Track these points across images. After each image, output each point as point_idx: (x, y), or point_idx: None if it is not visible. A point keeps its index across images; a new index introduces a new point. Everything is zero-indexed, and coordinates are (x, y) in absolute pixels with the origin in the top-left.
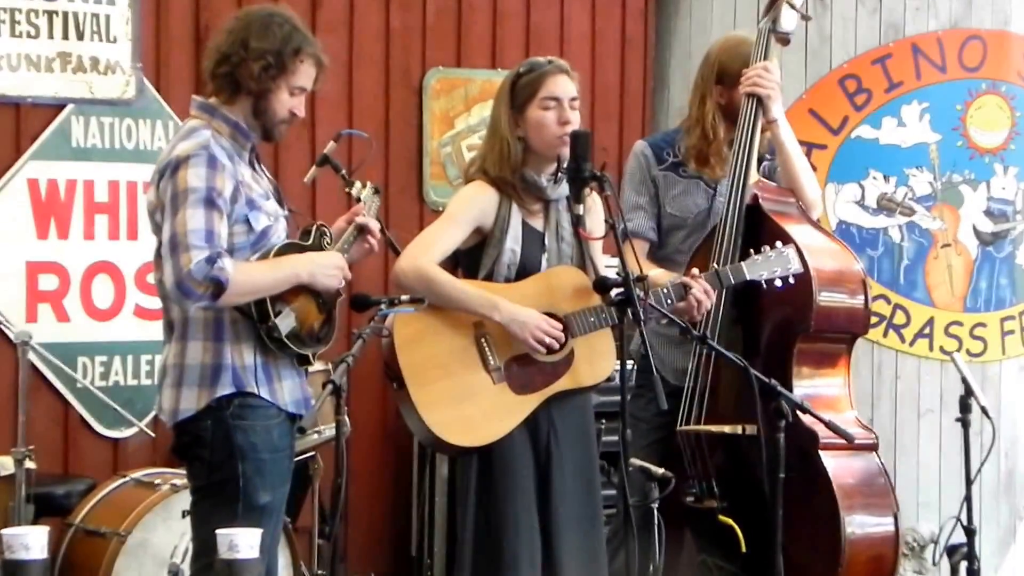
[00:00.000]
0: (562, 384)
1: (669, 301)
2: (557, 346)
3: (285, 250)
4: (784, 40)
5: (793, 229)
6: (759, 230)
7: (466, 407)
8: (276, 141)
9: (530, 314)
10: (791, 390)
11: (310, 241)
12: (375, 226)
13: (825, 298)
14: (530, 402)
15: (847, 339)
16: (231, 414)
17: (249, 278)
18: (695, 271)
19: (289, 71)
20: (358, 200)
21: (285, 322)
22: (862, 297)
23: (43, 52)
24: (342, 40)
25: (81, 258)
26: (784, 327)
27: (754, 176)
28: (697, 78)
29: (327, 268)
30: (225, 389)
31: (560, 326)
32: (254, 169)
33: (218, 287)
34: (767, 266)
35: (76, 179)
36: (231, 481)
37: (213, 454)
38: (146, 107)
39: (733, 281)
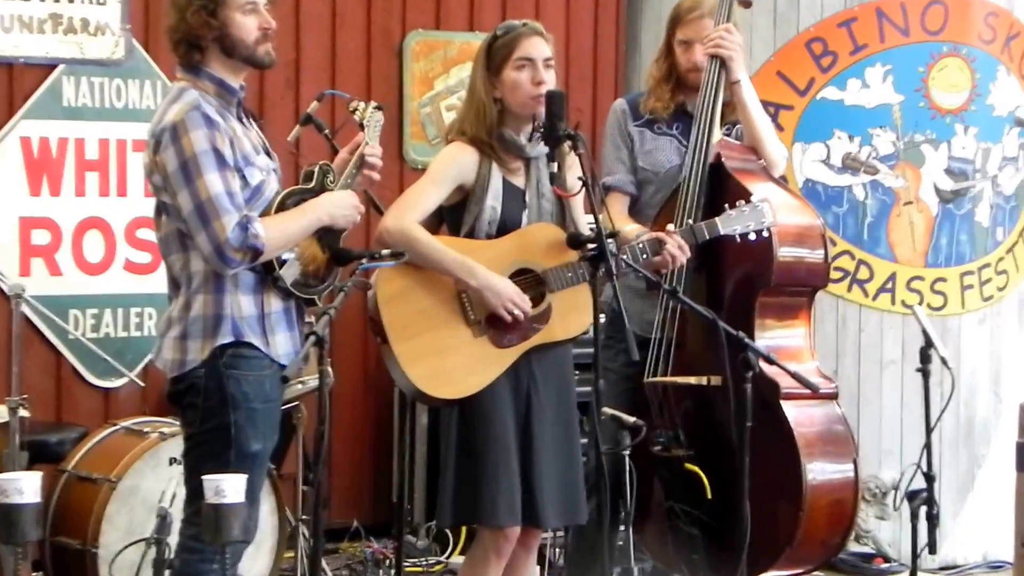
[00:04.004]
0: (540, 337)
1: (644, 256)
2: (522, 317)
3: (289, 198)
4: (746, 3)
5: (755, 186)
6: (722, 187)
7: (447, 360)
8: (268, 65)
9: (504, 285)
10: (754, 342)
11: (312, 184)
12: (375, 159)
13: (786, 253)
14: (510, 355)
15: (808, 292)
16: (225, 363)
17: (280, 234)
18: (670, 227)
19: None
20: (360, 126)
21: (289, 271)
22: (822, 251)
23: (35, 14)
24: (325, 3)
25: (72, 214)
26: (746, 281)
27: (718, 135)
28: None
29: (344, 208)
30: (225, 338)
31: (528, 299)
32: (243, 124)
33: (256, 253)
34: (741, 221)
35: (67, 137)
36: (223, 429)
37: (206, 402)
38: (135, 67)
39: (708, 236)
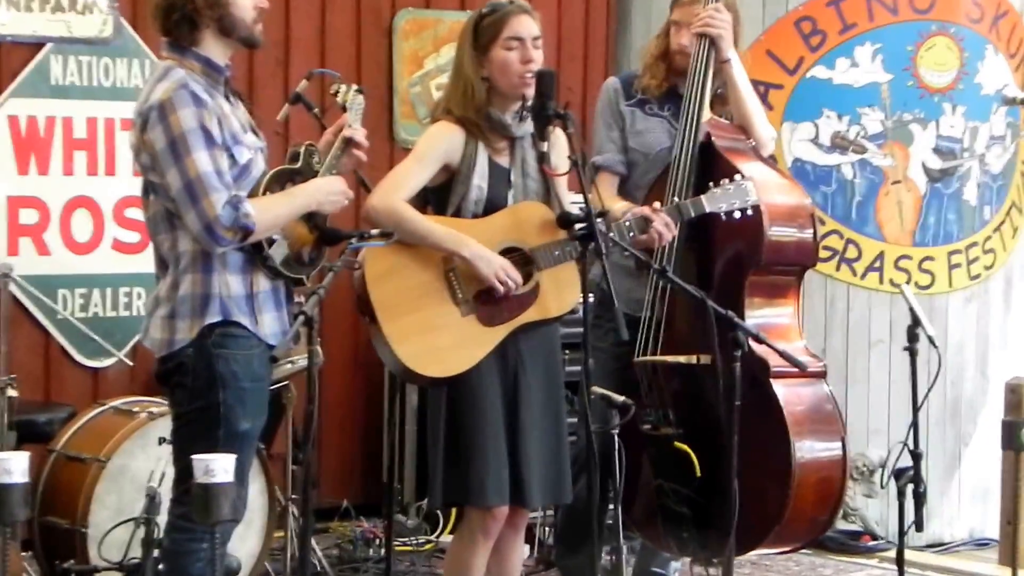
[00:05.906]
0: (528, 315)
1: (632, 234)
2: (514, 287)
3: (277, 178)
4: None
5: (744, 166)
6: (712, 167)
7: (435, 339)
8: (259, 44)
9: (494, 255)
10: (743, 320)
11: (299, 164)
12: (360, 137)
13: (775, 232)
14: (498, 333)
15: (797, 271)
16: (213, 343)
17: (270, 215)
18: (656, 204)
19: None
20: (343, 108)
21: (279, 251)
22: (811, 231)
23: None
24: None
25: (60, 193)
26: (736, 260)
27: (707, 114)
28: None
29: (331, 195)
30: (213, 317)
31: (517, 272)
32: (230, 103)
33: (246, 233)
34: (726, 198)
35: (55, 116)
36: (212, 408)
37: (195, 381)
38: (123, 46)
39: (693, 214)
